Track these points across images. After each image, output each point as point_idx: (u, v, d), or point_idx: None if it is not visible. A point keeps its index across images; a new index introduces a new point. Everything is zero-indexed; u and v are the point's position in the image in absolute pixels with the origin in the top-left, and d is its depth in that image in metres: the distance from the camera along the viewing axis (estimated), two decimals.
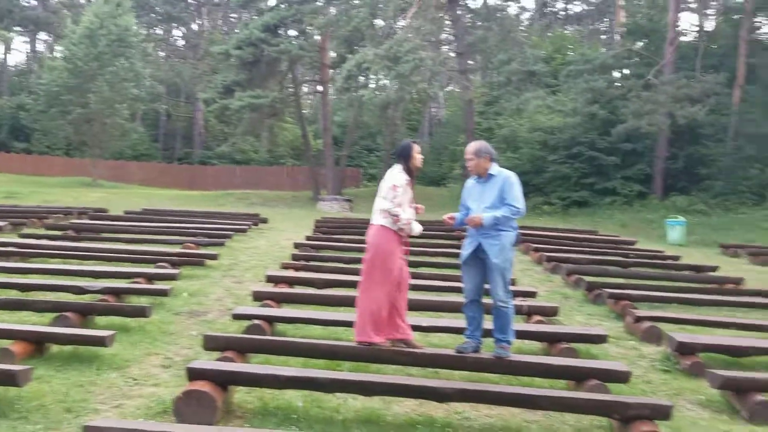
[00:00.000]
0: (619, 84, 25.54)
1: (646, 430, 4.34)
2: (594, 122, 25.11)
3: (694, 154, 24.21)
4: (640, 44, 27.18)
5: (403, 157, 5.62)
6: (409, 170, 5.62)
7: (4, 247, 10.36)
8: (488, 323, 5.61)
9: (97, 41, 27.84)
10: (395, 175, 5.57)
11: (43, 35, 49.03)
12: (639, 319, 7.57)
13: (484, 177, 5.48)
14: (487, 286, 5.48)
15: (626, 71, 27.86)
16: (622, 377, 5.33)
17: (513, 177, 5.46)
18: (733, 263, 14.31)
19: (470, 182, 5.64)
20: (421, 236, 6.08)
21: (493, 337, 5.44)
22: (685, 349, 6.44)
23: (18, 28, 44.08)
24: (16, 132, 36.70)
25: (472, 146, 5.53)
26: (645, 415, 4.50)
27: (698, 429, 5.01)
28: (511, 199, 5.31)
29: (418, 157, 5.63)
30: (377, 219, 5.58)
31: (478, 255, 5.38)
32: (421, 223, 5.75)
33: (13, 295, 7.65)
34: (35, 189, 24.53)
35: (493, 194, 5.37)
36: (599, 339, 6.51)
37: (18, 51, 68.02)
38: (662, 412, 4.54)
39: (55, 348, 6.00)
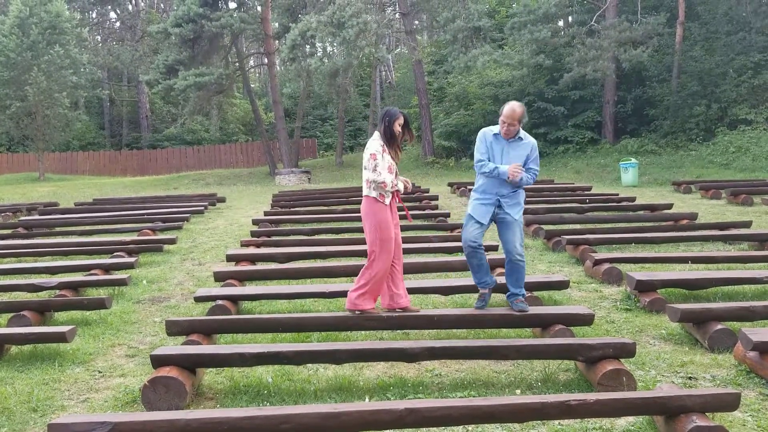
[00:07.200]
0: (563, 32, 25.62)
1: (611, 368, 4.44)
2: (541, 72, 25.27)
3: (641, 96, 24.57)
4: None
5: (383, 123, 5.54)
6: (388, 137, 5.53)
7: None
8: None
9: (28, 30, 26.75)
10: (372, 143, 5.53)
11: None
12: (598, 262, 7.72)
13: (513, 138, 5.51)
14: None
15: (569, 19, 27.96)
16: (586, 320, 5.44)
17: (536, 143, 5.67)
18: (686, 199, 14.68)
19: (489, 136, 5.59)
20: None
21: (509, 291, 5.56)
22: (644, 287, 6.59)
23: None
24: None
25: (517, 113, 5.37)
26: (609, 354, 4.60)
27: (661, 362, 5.15)
28: (537, 165, 5.56)
29: (396, 126, 5.52)
30: (365, 190, 5.52)
31: (494, 212, 5.50)
32: None
33: None
34: None
35: (520, 157, 5.47)
36: (561, 285, 6.63)
37: None
38: (627, 351, 4.65)
39: (14, 349, 5.85)
